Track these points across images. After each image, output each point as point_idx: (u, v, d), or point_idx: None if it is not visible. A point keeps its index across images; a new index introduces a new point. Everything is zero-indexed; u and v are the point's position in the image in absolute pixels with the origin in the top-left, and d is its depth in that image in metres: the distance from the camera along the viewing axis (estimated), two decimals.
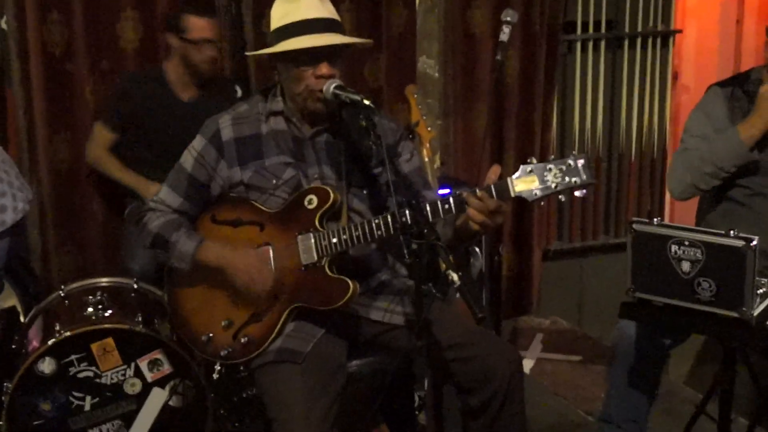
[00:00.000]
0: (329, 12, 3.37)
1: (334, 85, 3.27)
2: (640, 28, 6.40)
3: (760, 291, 3.15)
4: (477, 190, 3.08)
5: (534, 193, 3.06)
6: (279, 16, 3.37)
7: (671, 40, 6.50)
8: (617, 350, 3.94)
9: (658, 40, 6.46)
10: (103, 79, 4.97)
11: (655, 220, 3.24)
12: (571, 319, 6.20)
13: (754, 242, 3.04)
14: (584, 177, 3.06)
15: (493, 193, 3.06)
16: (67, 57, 4.88)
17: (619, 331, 3.91)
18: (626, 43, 6.40)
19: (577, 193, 3.08)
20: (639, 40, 6.42)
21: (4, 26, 4.84)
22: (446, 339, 3.30)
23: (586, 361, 5.49)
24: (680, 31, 6.52)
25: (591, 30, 6.27)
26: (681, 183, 4.03)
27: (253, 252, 3.40)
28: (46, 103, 4.88)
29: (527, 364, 5.25)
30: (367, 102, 3.14)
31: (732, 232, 3.08)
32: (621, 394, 3.95)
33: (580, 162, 3.06)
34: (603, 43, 6.33)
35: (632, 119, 6.47)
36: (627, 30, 6.38)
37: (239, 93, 4.98)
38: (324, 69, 3.30)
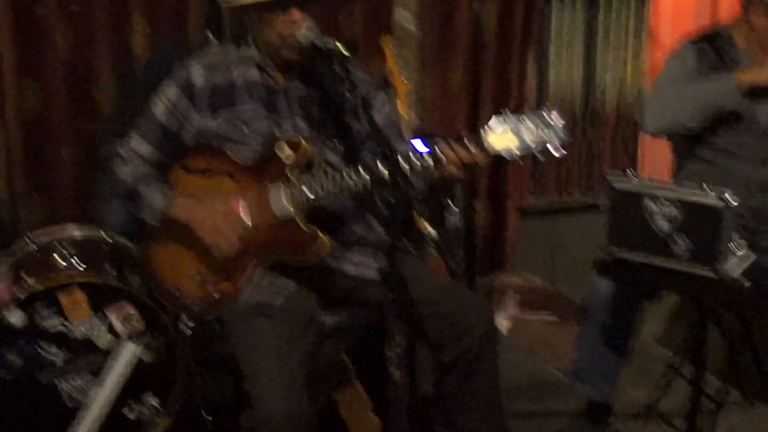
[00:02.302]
0: None
1: (308, 31, 3.25)
2: None
3: (741, 252, 3.15)
4: (452, 141, 3.08)
5: (513, 153, 3.05)
6: None
7: None
8: (590, 307, 3.95)
9: None
10: (74, 26, 4.92)
11: (629, 171, 3.24)
12: (545, 277, 6.21)
13: (730, 198, 3.05)
14: (560, 134, 3.04)
15: (468, 146, 3.05)
16: (37, 0, 4.82)
17: (593, 289, 3.92)
18: None
19: (556, 154, 3.06)
20: None
21: None
22: (419, 294, 3.28)
23: (559, 319, 5.51)
24: None
25: None
26: (661, 117, 4.00)
27: (222, 207, 3.37)
28: (14, 48, 4.83)
29: (502, 323, 5.26)
30: (342, 49, 3.12)
31: (707, 188, 3.09)
32: (593, 350, 3.98)
33: (555, 116, 3.04)
34: None
35: (609, 76, 6.46)
36: None
37: (212, 39, 4.96)
38: (296, 15, 3.28)
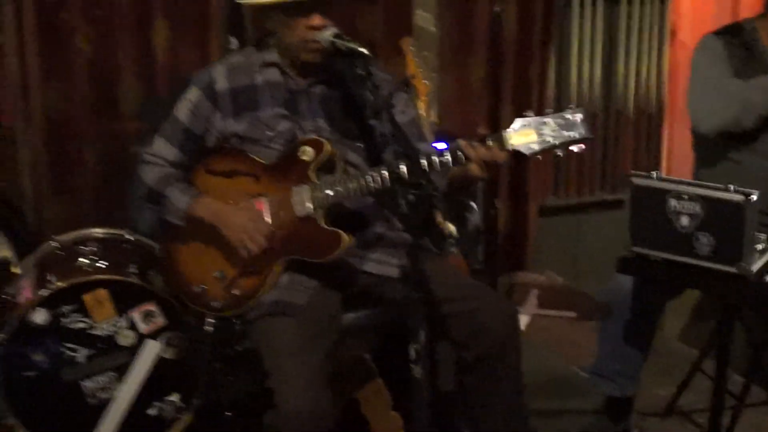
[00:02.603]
0: None
1: (331, 33, 3.25)
2: None
3: (760, 246, 3.14)
4: (474, 142, 3.08)
5: (531, 147, 3.06)
6: None
7: None
8: (612, 305, 3.94)
9: None
10: (97, 29, 4.93)
11: (654, 173, 3.24)
12: (566, 275, 6.19)
13: (754, 196, 3.04)
14: (582, 132, 3.06)
15: (489, 144, 3.05)
16: (61, 4, 4.84)
17: (615, 286, 3.90)
18: None
19: (574, 149, 3.09)
20: None
21: None
22: (441, 293, 3.28)
23: (580, 317, 5.50)
24: None
25: None
26: (716, 118, 3.95)
27: (246, 208, 3.38)
28: (39, 51, 4.85)
29: (523, 321, 5.25)
30: (364, 50, 3.12)
31: (731, 186, 3.08)
32: (614, 348, 3.96)
33: (578, 116, 3.07)
34: None
35: (630, 75, 6.45)
36: None
37: (234, 43, 4.97)
38: (316, 20, 3.28)
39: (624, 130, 6.50)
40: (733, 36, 4.03)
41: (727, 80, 3.93)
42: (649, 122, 6.54)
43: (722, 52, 3.98)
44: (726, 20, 6.19)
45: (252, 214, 3.36)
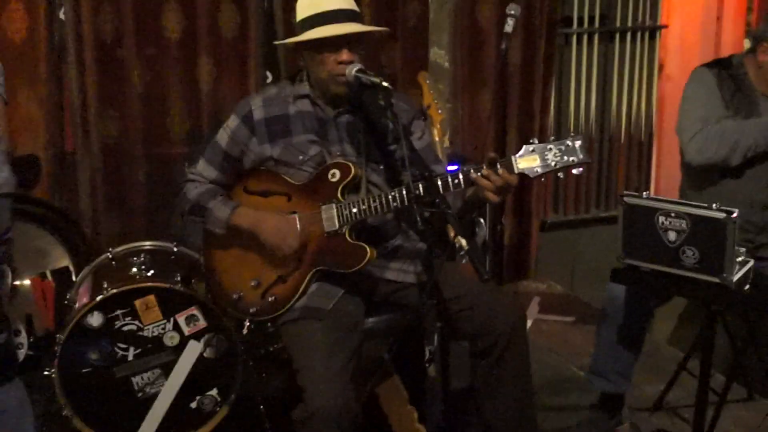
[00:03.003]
0: (349, 4, 3.33)
1: (356, 68, 3.24)
2: (629, 23, 6.36)
3: (739, 259, 3.12)
4: (485, 167, 3.05)
5: (535, 170, 3.05)
6: (304, 8, 3.34)
7: (658, 34, 6.46)
8: (606, 310, 3.92)
9: (646, 34, 6.42)
10: (149, 66, 4.97)
11: (644, 193, 3.24)
12: (565, 284, 6.17)
13: (735, 214, 3.04)
14: (581, 156, 3.04)
15: (498, 169, 3.03)
16: (117, 44, 4.88)
17: (609, 293, 3.89)
18: (617, 36, 6.36)
19: (574, 171, 3.07)
20: (629, 34, 6.37)
21: (62, 17, 4.85)
22: (452, 294, 3.28)
23: (578, 321, 5.47)
24: (666, 26, 6.48)
25: (586, 24, 6.23)
26: (706, 153, 3.84)
27: (281, 217, 3.37)
28: (98, 84, 4.89)
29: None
30: (385, 84, 3.10)
31: (714, 205, 3.07)
32: (609, 350, 3.94)
33: (578, 143, 3.05)
34: (596, 37, 6.29)
35: (622, 105, 6.44)
36: (618, 24, 6.34)
37: (270, 77, 4.98)
38: (345, 55, 3.26)
39: (617, 154, 6.48)
40: (724, 69, 3.95)
41: (716, 119, 3.84)
42: (639, 148, 6.51)
43: (713, 85, 3.90)
44: (709, 56, 6.21)
45: (286, 221, 3.36)
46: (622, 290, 3.83)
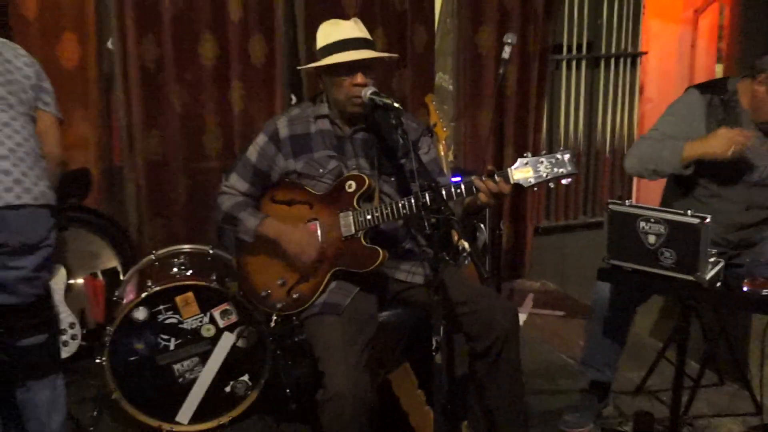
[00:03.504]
0: (363, 33, 3.33)
1: (370, 91, 3.24)
2: (613, 50, 6.36)
3: (711, 259, 3.11)
4: (484, 177, 3.06)
5: (529, 180, 3.05)
6: (323, 37, 3.33)
7: (638, 60, 6.45)
8: (594, 308, 3.91)
9: (628, 60, 6.43)
10: (187, 89, 4.97)
11: (627, 201, 3.23)
12: (556, 282, 6.16)
13: (707, 220, 3.03)
14: (569, 168, 3.04)
15: (496, 179, 3.03)
16: (159, 70, 4.89)
17: (596, 292, 3.88)
18: (602, 62, 6.36)
19: (563, 181, 3.07)
20: (612, 60, 6.38)
21: (110, 46, 4.87)
22: (457, 296, 3.27)
23: (567, 315, 5.46)
24: (645, 53, 6.48)
25: (574, 51, 6.23)
26: (633, 167, 3.72)
27: (303, 227, 3.37)
28: (142, 106, 4.89)
29: (521, 318, 5.21)
30: (396, 104, 3.10)
31: (689, 211, 3.06)
32: (598, 343, 3.94)
33: (566, 156, 3.05)
34: (584, 62, 6.31)
35: (607, 123, 6.44)
36: (603, 52, 6.35)
37: (294, 99, 4.98)
38: (359, 78, 3.26)
39: (602, 167, 6.48)
40: (716, 94, 3.74)
41: (655, 141, 3.69)
42: (622, 161, 6.47)
43: (700, 109, 3.71)
44: (684, 80, 6.20)
45: (306, 233, 3.36)
46: (608, 291, 3.82)
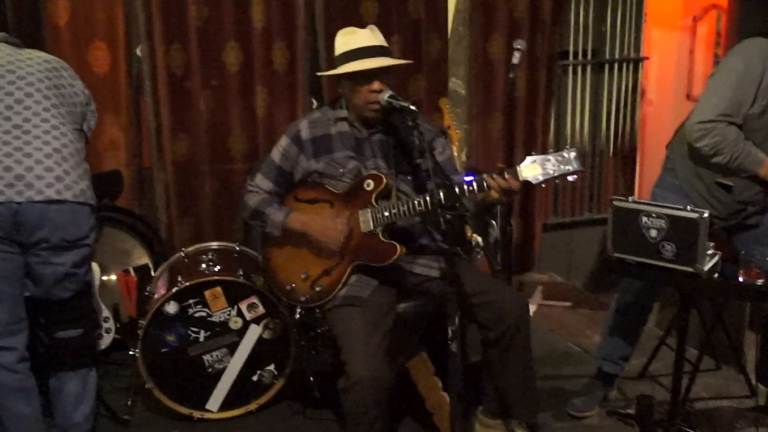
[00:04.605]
0: (379, 41, 3.35)
1: (388, 94, 3.27)
2: (617, 56, 6.35)
3: (709, 252, 3.13)
4: (494, 174, 3.09)
5: (537, 178, 3.07)
6: (341, 45, 3.36)
7: (640, 65, 6.44)
8: (619, 306, 3.96)
9: (630, 65, 6.41)
10: (213, 95, 4.99)
11: (630, 198, 3.23)
12: (563, 275, 6.18)
13: (706, 214, 3.03)
14: (575, 166, 3.06)
15: (506, 176, 3.06)
16: (186, 76, 4.90)
17: (622, 291, 3.93)
18: (606, 67, 6.36)
19: (569, 178, 3.08)
20: (616, 65, 6.37)
21: (139, 53, 4.88)
22: (470, 287, 3.29)
23: (574, 306, 5.47)
24: (647, 58, 6.46)
25: (580, 57, 6.22)
26: (706, 141, 3.43)
27: (328, 219, 3.40)
28: (170, 111, 4.90)
29: (531, 309, 5.22)
30: (412, 107, 3.13)
31: (688, 206, 3.08)
32: (617, 339, 3.98)
33: (572, 154, 3.06)
34: (588, 68, 6.29)
35: (610, 125, 6.42)
36: (607, 57, 6.34)
37: (315, 103, 5.00)
38: (376, 85, 3.29)
39: (606, 166, 6.48)
40: None
41: (736, 117, 3.42)
42: (625, 160, 6.50)
43: (757, 70, 3.40)
44: (683, 84, 6.21)
45: (331, 220, 3.39)
46: (629, 294, 3.89)
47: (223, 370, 3.95)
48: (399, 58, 3.56)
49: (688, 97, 6.33)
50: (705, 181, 3.63)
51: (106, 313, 4.22)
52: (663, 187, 3.79)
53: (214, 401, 3.96)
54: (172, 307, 3.87)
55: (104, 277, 4.44)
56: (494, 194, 3.13)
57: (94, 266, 4.05)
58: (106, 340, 4.24)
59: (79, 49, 4.70)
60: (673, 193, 3.68)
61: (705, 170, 3.61)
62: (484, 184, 3.12)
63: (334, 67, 3.38)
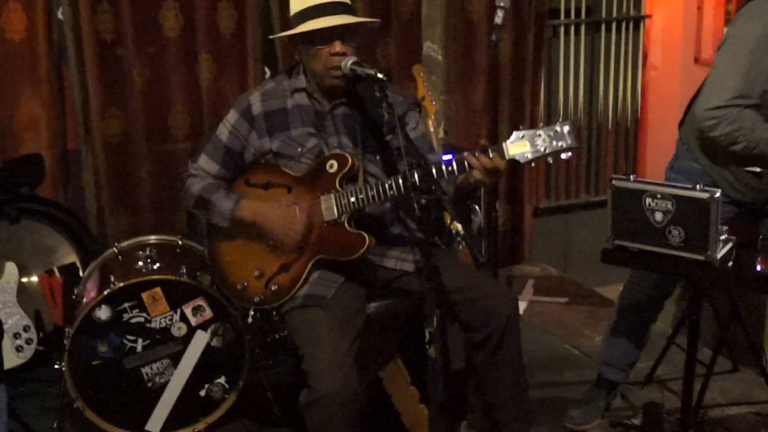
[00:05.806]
0: None
1: (351, 61, 3.26)
2: (615, 14, 6.39)
3: (722, 237, 3.14)
4: (477, 152, 3.09)
5: (526, 156, 3.08)
6: (297, 2, 3.35)
7: (642, 24, 6.48)
8: (623, 310, 3.97)
9: (631, 25, 6.45)
10: (149, 63, 4.97)
11: (631, 176, 3.24)
12: (557, 266, 6.21)
13: (717, 194, 3.04)
14: (569, 141, 3.08)
15: (490, 155, 3.06)
16: (117, 43, 4.86)
17: (627, 293, 3.96)
18: (603, 27, 6.39)
19: (563, 156, 3.10)
20: (614, 25, 6.41)
21: (60, 16, 4.84)
22: (452, 283, 3.29)
23: (571, 302, 5.50)
24: (650, 16, 6.51)
25: (572, 15, 6.25)
26: (719, 131, 3.40)
27: (284, 207, 3.40)
28: (99, 83, 4.86)
29: (521, 306, 5.25)
30: (380, 75, 3.12)
31: (698, 185, 3.08)
32: (622, 344, 4.00)
33: (566, 128, 3.08)
34: (583, 28, 6.32)
35: (609, 93, 6.47)
36: (604, 15, 6.37)
37: (268, 72, 5.00)
38: (337, 46, 3.28)
39: (605, 140, 6.52)
40: None
41: (753, 99, 3.38)
42: (626, 134, 6.55)
43: None
44: (691, 45, 6.22)
45: (288, 212, 3.39)
46: (637, 293, 3.91)
47: (166, 384, 3.93)
48: (364, 17, 3.55)
49: (697, 60, 6.34)
50: (730, 167, 3.63)
51: (26, 321, 4.20)
52: (681, 172, 3.74)
53: (155, 421, 3.94)
54: (103, 313, 3.84)
55: (23, 279, 4.40)
56: (477, 175, 3.13)
57: (11, 266, 4.02)
58: (27, 353, 4.21)
59: None
60: (697, 177, 3.59)
61: (725, 157, 3.60)
62: (465, 163, 3.12)
63: (289, 28, 3.37)
